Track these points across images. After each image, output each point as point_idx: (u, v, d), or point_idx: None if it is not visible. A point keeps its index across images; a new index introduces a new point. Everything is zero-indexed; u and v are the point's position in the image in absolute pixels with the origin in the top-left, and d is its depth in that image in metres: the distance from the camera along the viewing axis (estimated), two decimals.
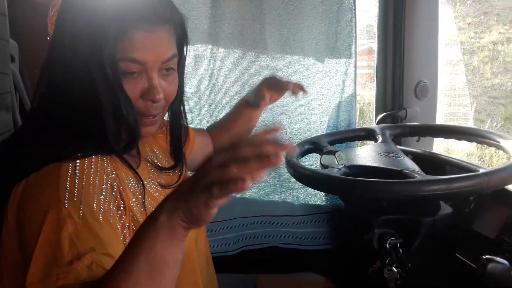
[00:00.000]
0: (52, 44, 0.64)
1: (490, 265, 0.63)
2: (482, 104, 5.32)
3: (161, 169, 0.84)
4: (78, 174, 0.57)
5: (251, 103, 1.00)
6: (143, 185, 0.68)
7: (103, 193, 0.58)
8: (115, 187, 0.61)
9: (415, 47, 1.29)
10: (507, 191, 0.89)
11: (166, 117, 0.82)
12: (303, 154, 1.04)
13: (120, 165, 0.66)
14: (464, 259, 0.90)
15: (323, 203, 1.35)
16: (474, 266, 0.87)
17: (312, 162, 1.29)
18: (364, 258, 0.97)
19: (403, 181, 0.75)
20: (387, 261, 0.85)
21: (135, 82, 0.64)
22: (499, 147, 0.90)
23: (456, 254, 0.92)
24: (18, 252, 0.54)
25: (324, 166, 0.94)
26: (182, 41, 0.72)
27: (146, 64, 0.63)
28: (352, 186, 0.76)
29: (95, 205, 0.56)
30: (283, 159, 0.95)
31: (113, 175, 0.62)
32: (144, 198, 0.68)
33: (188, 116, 1.19)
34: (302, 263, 1.22)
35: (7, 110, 0.84)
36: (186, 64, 1.17)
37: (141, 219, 0.65)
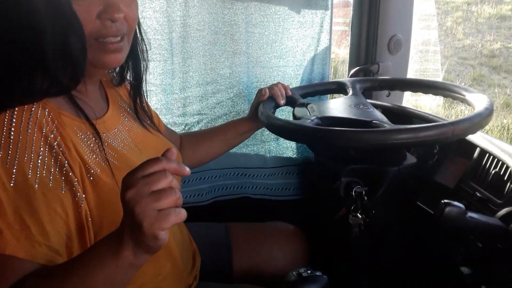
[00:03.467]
0: None
1: (447, 209, 0.68)
2: (453, 64, 5.43)
3: (139, 117, 0.83)
4: (13, 133, 0.54)
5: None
6: (100, 138, 0.66)
7: (40, 156, 0.56)
8: (55, 146, 0.58)
9: (391, 0, 1.28)
10: (469, 143, 0.93)
11: None
12: (276, 107, 1.05)
13: (67, 120, 0.62)
14: (424, 207, 0.96)
15: (294, 155, 1.38)
16: (433, 213, 0.93)
17: (285, 115, 1.30)
18: (331, 207, 1.01)
19: (373, 130, 0.77)
20: (352, 208, 0.89)
21: (88, 4, 0.60)
22: (464, 101, 0.93)
23: (418, 203, 0.98)
24: None
25: (296, 118, 0.95)
26: None
27: None
28: (324, 135, 0.78)
29: (30, 171, 0.55)
30: (258, 111, 0.96)
31: (54, 134, 0.59)
32: (104, 151, 0.66)
33: (160, 65, 1.19)
34: (273, 213, 1.26)
35: None
36: (157, 9, 1.14)
37: (100, 172, 0.63)
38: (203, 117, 1.27)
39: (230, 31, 1.20)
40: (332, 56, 1.43)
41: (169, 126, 1.20)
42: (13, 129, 0.55)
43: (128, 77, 0.84)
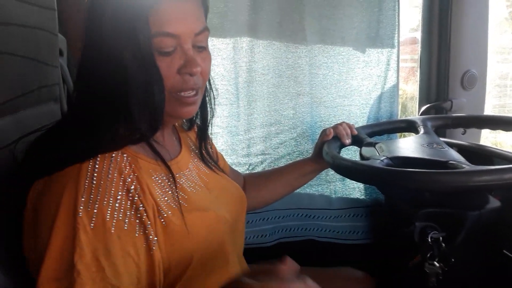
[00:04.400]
0: (86, 30, 0.64)
1: None
2: None
3: (204, 159, 0.86)
4: (95, 179, 0.58)
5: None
6: (174, 178, 0.68)
7: (118, 200, 0.59)
8: (131, 190, 0.61)
9: (463, 34, 1.23)
10: None
11: None
12: (341, 146, 1.03)
13: (144, 163, 0.65)
14: (511, 255, 0.86)
15: (362, 196, 1.33)
16: None
17: (351, 155, 1.26)
18: (404, 253, 0.94)
19: (452, 171, 0.72)
20: (428, 255, 0.82)
21: (171, 59, 0.64)
22: None
23: (504, 251, 0.88)
24: (34, 247, 0.58)
25: (364, 158, 0.92)
26: (206, 18, 0.72)
27: (180, 37, 0.63)
28: (396, 177, 0.73)
29: (108, 214, 0.57)
30: (323, 151, 0.95)
31: (131, 178, 0.62)
32: (176, 192, 0.68)
33: (226, 108, 1.23)
34: (340, 258, 1.21)
35: (55, 101, 0.89)
36: (224, 57, 1.20)
37: (171, 214, 0.65)
38: (267, 157, 1.28)
39: (293, 73, 1.22)
40: (400, 92, 1.39)
41: (233, 166, 1.23)
42: (95, 174, 0.58)
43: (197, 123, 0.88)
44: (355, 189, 1.33)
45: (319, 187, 1.32)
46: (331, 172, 1.31)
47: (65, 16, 0.94)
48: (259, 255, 1.10)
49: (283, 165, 1.18)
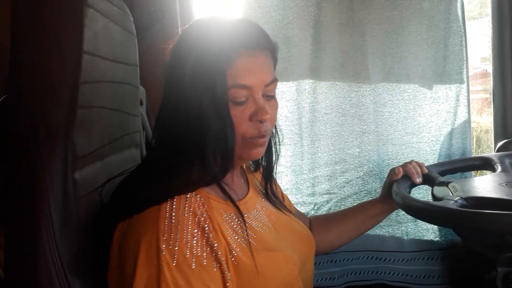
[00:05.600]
0: (166, 83, 0.71)
1: None
2: None
3: (270, 199, 0.88)
4: (173, 219, 0.62)
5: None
6: (243, 218, 0.71)
7: (195, 238, 0.62)
8: (206, 228, 0.64)
9: None
10: None
11: None
12: (412, 186, 0.99)
13: (215, 204, 0.69)
14: None
15: (437, 238, 1.25)
16: None
17: (422, 195, 1.21)
18: None
19: None
20: None
21: (244, 108, 0.69)
22: None
23: None
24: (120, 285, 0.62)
25: (436, 198, 0.88)
26: (275, 69, 0.77)
27: (252, 88, 0.68)
28: (474, 219, 0.70)
29: (188, 251, 0.61)
30: (392, 192, 0.92)
31: (204, 217, 0.65)
32: (246, 232, 0.70)
33: (290, 148, 1.25)
34: None
35: (136, 147, 0.97)
36: (288, 99, 1.24)
37: (241, 253, 0.67)
38: (332, 196, 1.27)
39: (358, 112, 1.23)
40: (473, 125, 1.32)
41: (298, 205, 1.23)
42: (173, 214, 0.63)
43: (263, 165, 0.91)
44: (429, 231, 1.26)
45: (390, 228, 1.27)
46: (402, 212, 1.26)
47: (144, 69, 1.03)
48: None
49: (349, 204, 1.17)
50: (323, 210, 1.27)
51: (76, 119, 0.65)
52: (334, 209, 1.26)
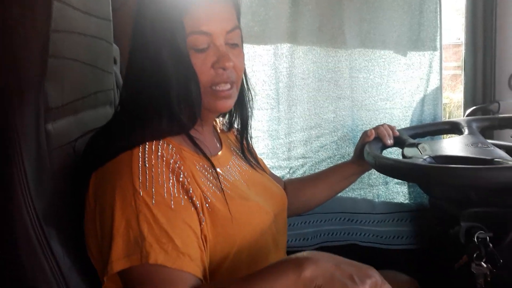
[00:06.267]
0: (132, 36, 0.72)
1: None
2: None
3: (246, 157, 0.89)
4: (147, 163, 0.63)
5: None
6: (215, 168, 0.73)
7: (171, 181, 0.64)
8: (180, 174, 0.66)
9: (509, 35, 1.20)
10: None
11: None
12: (383, 148, 1.03)
13: (187, 155, 0.71)
14: None
15: (406, 201, 1.30)
16: None
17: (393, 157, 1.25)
18: (450, 256, 0.92)
19: (497, 167, 0.70)
20: (475, 256, 0.80)
21: (205, 56, 0.70)
22: None
23: None
24: (100, 232, 0.63)
25: (406, 158, 0.92)
26: (239, 19, 0.77)
27: (212, 35, 0.69)
28: (440, 174, 0.73)
29: (165, 192, 0.62)
30: (364, 152, 0.95)
31: (178, 164, 0.66)
32: (219, 180, 0.73)
33: (267, 113, 1.26)
34: (383, 262, 1.18)
35: (110, 105, 0.96)
36: (265, 63, 1.24)
37: (215, 200, 0.69)
38: (307, 161, 1.29)
39: (334, 77, 1.24)
40: (447, 101, 1.36)
41: (274, 169, 1.26)
42: (147, 159, 0.64)
43: (236, 124, 0.92)
44: (399, 193, 1.31)
45: (362, 191, 1.31)
46: (373, 176, 1.30)
47: (118, 28, 1.01)
48: None
49: (324, 168, 1.19)
50: (298, 174, 1.30)
51: (47, 69, 0.64)
52: (309, 173, 1.29)
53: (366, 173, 1.27)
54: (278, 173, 1.25)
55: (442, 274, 1.05)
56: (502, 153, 0.83)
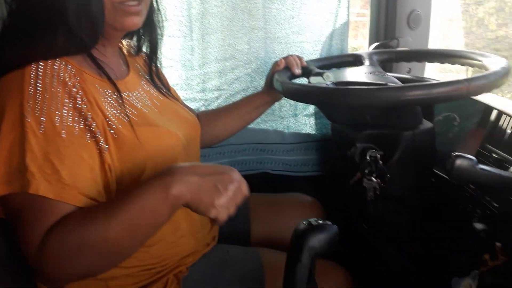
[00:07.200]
0: None
1: (458, 161, 0.67)
2: None
3: (155, 84, 0.87)
4: (40, 85, 0.59)
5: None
6: (120, 93, 0.70)
7: (65, 108, 0.60)
8: (79, 99, 0.62)
9: None
10: (487, 108, 0.92)
11: None
12: (292, 77, 1.07)
13: (89, 77, 0.67)
14: (440, 174, 0.95)
15: (313, 131, 1.39)
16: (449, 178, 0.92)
17: None
18: (348, 175, 1.01)
19: (387, 87, 0.78)
20: (366, 172, 0.89)
21: None
22: (482, 66, 0.92)
23: (434, 170, 0.97)
24: None
25: None
26: None
27: None
28: (339, 94, 0.79)
29: (57, 119, 0.59)
30: (274, 80, 0.98)
31: (76, 88, 0.63)
32: (124, 107, 0.70)
33: (180, 41, 1.22)
34: (292, 187, 1.28)
35: None
36: None
37: (121, 127, 0.67)
38: (222, 93, 1.30)
39: (247, 6, 1.23)
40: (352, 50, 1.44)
41: (189, 101, 1.25)
42: (40, 81, 0.59)
43: (145, 47, 0.88)
44: (307, 125, 1.39)
45: (273, 123, 1.37)
46: (284, 108, 1.36)
47: None
48: None
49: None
50: (213, 106, 1.31)
51: None
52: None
53: (277, 106, 1.34)
54: (192, 105, 1.25)
55: (341, 192, 1.16)
56: (395, 80, 0.91)
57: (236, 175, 0.60)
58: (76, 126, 0.61)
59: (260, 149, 1.38)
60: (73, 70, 0.64)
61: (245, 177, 1.34)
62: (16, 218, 0.58)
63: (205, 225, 0.91)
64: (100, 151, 0.63)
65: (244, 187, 0.61)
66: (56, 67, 0.62)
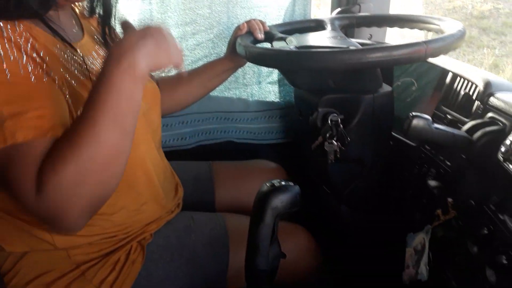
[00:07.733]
0: None
1: (415, 120, 0.70)
2: None
3: (109, 47, 0.84)
4: None
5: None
6: (75, 48, 0.69)
7: (29, 63, 0.59)
8: (38, 58, 0.61)
9: None
10: (443, 71, 0.95)
11: None
12: (255, 42, 1.05)
13: (42, 37, 0.64)
14: (399, 136, 0.98)
15: (277, 99, 1.39)
16: (408, 142, 0.96)
17: None
18: (310, 141, 1.02)
19: (349, 49, 0.78)
20: (327, 136, 0.91)
21: None
22: (439, 31, 0.94)
23: (392, 133, 1.00)
24: None
25: None
26: None
27: None
28: (300, 57, 0.79)
29: (21, 69, 0.57)
30: (236, 45, 0.97)
31: (31, 44, 0.61)
32: (85, 61, 0.69)
33: (137, 3, 1.17)
34: (256, 155, 1.28)
35: None
36: None
37: (79, 88, 0.66)
38: (183, 59, 1.26)
39: None
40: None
41: None
42: None
43: (98, 8, 0.84)
44: (270, 92, 1.38)
45: (237, 91, 1.36)
46: (248, 75, 1.35)
47: None
48: (180, 157, 1.14)
49: None
50: (173, 73, 1.27)
51: None
52: None
53: (241, 73, 1.32)
54: None
55: (304, 157, 1.18)
56: (356, 43, 0.91)
57: (152, 28, 0.62)
58: (39, 71, 0.59)
59: (224, 118, 1.37)
60: (26, 32, 0.61)
61: (210, 146, 1.38)
62: (4, 173, 0.55)
63: (169, 192, 0.90)
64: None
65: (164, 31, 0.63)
66: (9, 24, 0.59)
